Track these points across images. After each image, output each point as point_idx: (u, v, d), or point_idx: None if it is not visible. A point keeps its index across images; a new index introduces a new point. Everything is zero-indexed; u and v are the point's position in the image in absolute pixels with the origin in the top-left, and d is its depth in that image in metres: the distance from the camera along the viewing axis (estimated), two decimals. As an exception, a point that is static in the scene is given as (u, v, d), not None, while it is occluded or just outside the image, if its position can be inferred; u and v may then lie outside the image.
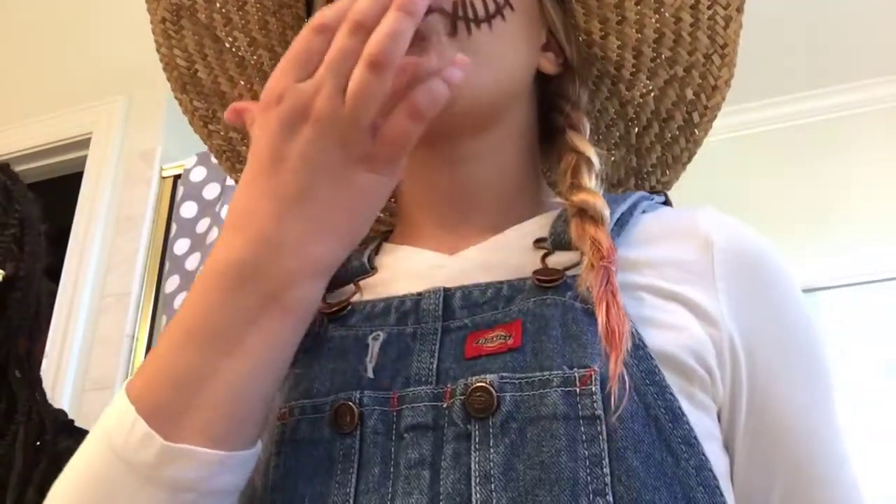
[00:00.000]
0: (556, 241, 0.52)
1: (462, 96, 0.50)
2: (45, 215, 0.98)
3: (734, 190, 2.62)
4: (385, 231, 0.67)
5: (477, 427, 0.44)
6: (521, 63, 0.57)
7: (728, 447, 0.50)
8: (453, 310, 0.51)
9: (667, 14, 0.59)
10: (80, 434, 0.95)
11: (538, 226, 0.55)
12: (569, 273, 0.49)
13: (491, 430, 0.44)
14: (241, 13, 0.64)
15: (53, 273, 1.83)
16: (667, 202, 0.60)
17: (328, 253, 0.45)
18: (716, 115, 0.63)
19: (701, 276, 0.50)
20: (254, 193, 0.45)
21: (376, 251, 0.60)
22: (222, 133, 0.70)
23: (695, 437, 0.45)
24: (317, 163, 0.43)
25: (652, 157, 0.67)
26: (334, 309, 0.54)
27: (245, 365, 0.43)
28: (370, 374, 0.49)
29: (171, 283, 1.85)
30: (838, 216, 2.53)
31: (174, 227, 1.93)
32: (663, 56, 0.61)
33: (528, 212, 0.58)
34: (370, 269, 0.57)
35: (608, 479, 0.41)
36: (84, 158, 2.15)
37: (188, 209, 1.93)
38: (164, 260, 1.94)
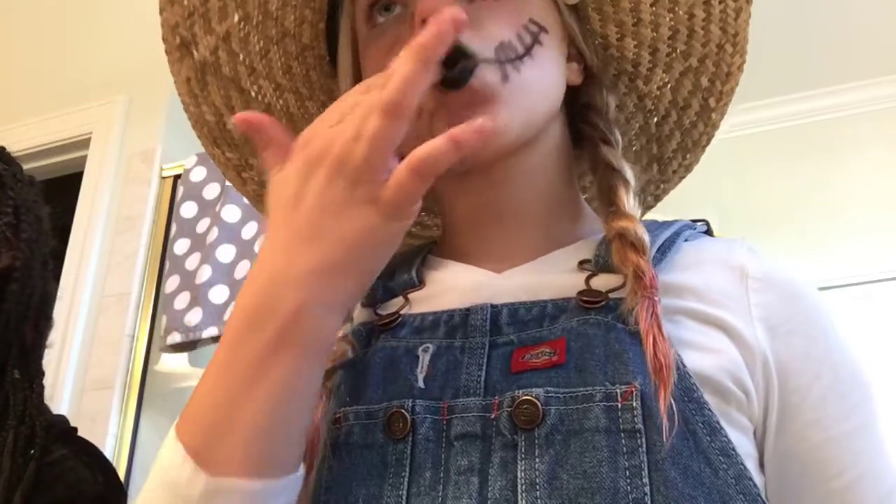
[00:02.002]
0: (600, 263, 0.54)
1: (512, 129, 0.53)
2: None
3: (734, 190, 2.62)
4: (430, 242, 0.68)
5: (523, 438, 0.46)
6: (559, 81, 0.59)
7: (762, 466, 0.51)
8: (500, 326, 0.53)
9: (680, 12, 0.61)
10: (79, 443, 0.92)
11: (583, 248, 0.57)
12: (612, 296, 0.52)
13: (536, 441, 0.46)
14: (264, 62, 0.65)
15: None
16: (708, 231, 0.62)
17: (335, 289, 0.46)
18: (731, 99, 0.65)
19: (737, 302, 0.52)
20: (274, 233, 0.47)
21: (423, 262, 0.62)
22: (256, 179, 0.72)
23: (733, 449, 0.47)
24: (326, 201, 0.45)
25: (672, 144, 0.69)
26: (386, 321, 0.57)
27: (266, 398, 0.45)
28: (421, 384, 0.52)
29: (171, 283, 1.84)
30: (838, 216, 2.53)
31: (174, 227, 1.93)
32: (678, 50, 0.63)
33: (571, 229, 0.60)
34: (418, 283, 0.60)
35: (647, 489, 0.43)
36: (84, 158, 2.15)
37: (188, 209, 1.93)
38: (164, 260, 1.94)
